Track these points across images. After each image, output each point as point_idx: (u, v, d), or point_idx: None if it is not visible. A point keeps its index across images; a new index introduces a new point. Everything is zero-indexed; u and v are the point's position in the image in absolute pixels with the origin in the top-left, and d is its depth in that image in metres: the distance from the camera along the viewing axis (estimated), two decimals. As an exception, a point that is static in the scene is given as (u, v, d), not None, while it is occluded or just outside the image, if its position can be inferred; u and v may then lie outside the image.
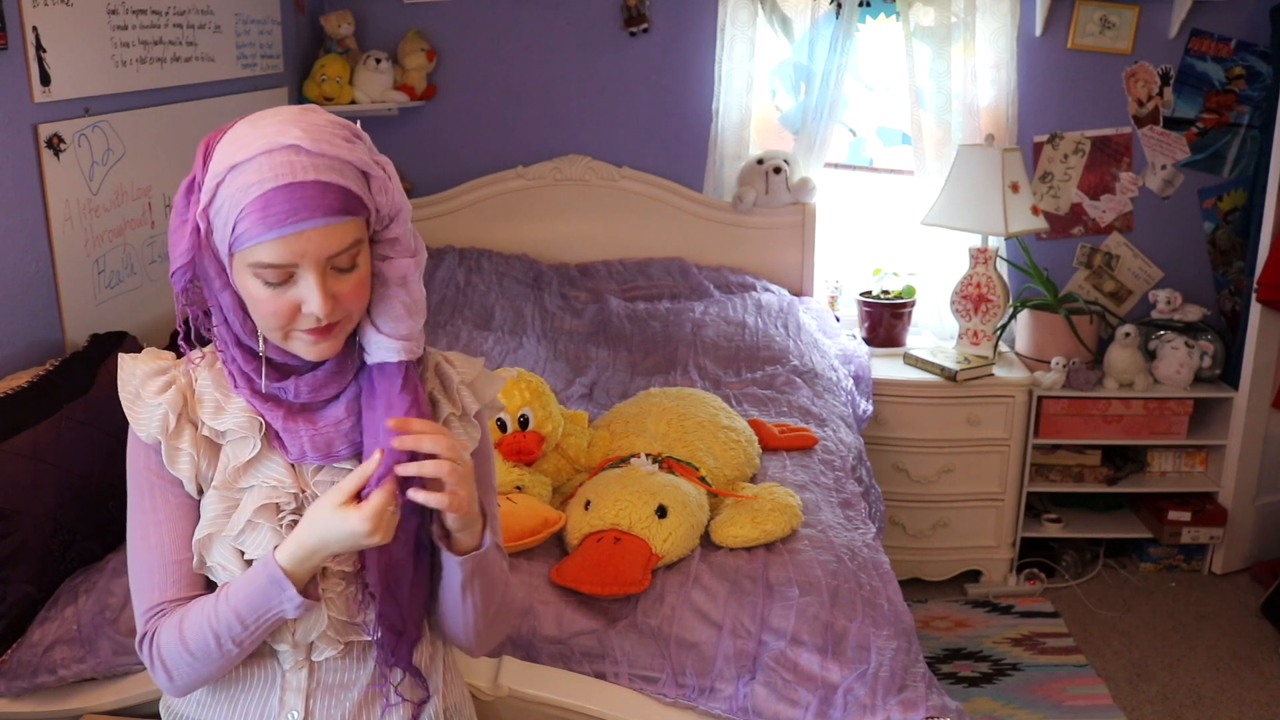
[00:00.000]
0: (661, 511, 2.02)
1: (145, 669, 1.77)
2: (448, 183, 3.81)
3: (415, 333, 1.21)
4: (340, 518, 1.13)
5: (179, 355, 1.26)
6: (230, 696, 1.27)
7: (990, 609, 3.44)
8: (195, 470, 1.21)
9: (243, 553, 1.21)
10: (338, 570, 1.22)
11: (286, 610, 1.16)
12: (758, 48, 3.64)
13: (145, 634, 1.22)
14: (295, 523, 1.19)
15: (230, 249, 1.11)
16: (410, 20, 3.74)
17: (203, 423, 1.21)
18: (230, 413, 1.21)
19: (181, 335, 1.23)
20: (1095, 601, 3.47)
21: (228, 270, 1.14)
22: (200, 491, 1.23)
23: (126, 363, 1.24)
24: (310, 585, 1.19)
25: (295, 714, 1.25)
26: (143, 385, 1.22)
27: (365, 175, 1.14)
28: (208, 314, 1.21)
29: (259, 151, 1.08)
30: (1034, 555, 3.61)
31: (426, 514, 1.22)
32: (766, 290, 3.58)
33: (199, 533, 1.21)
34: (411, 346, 1.20)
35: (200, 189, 1.12)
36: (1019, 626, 3.32)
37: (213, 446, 1.22)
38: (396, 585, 1.22)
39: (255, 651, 1.24)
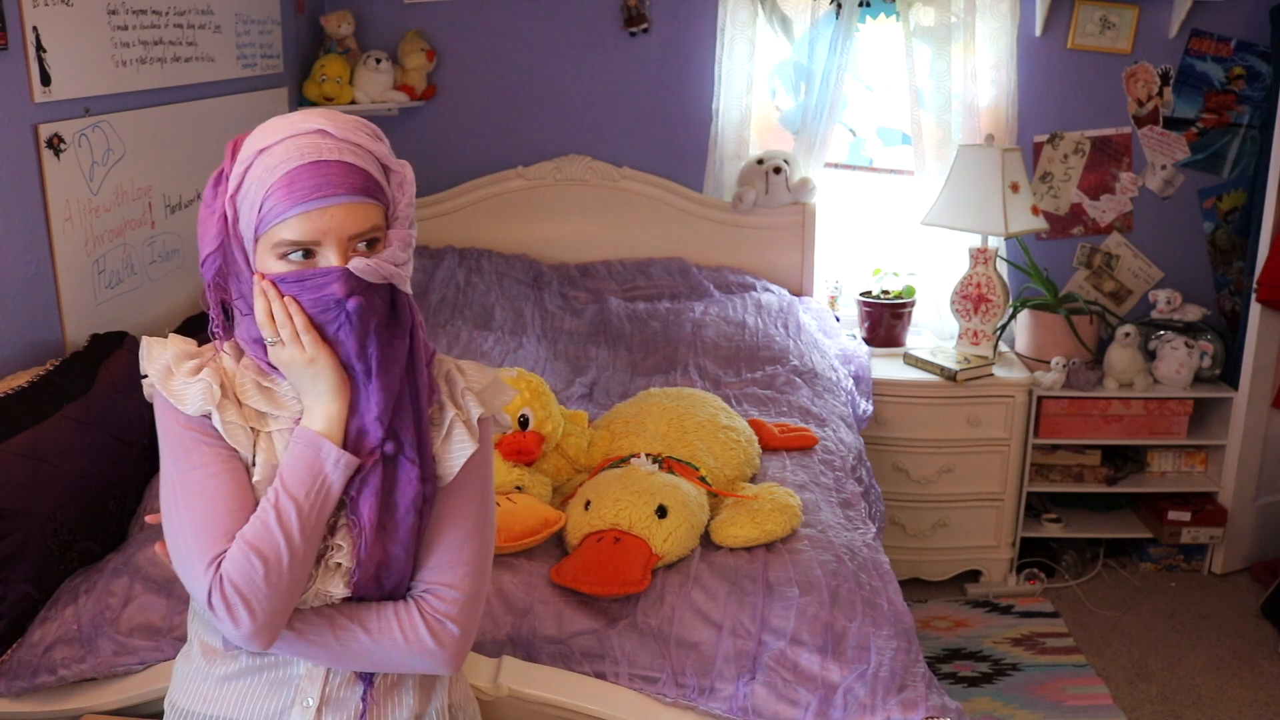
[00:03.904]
0: (661, 511, 2.02)
1: (145, 669, 1.78)
2: (448, 183, 3.81)
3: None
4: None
5: (200, 344, 1.26)
6: (239, 691, 1.27)
7: (990, 609, 3.44)
8: (249, 441, 1.20)
9: None
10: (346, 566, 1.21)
11: (328, 467, 1.13)
12: (758, 48, 3.64)
13: (211, 583, 1.11)
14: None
15: (256, 232, 1.13)
16: (410, 20, 3.74)
17: (247, 405, 1.20)
18: (277, 390, 1.21)
19: (214, 324, 1.23)
20: (1095, 601, 3.47)
21: (251, 259, 1.16)
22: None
23: (154, 344, 1.22)
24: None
25: (311, 700, 1.25)
26: (175, 364, 1.20)
27: (385, 169, 1.18)
28: (229, 311, 1.22)
29: (286, 135, 1.13)
30: (1034, 555, 3.61)
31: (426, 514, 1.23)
32: (766, 290, 3.57)
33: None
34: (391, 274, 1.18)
35: (228, 178, 1.16)
36: (1019, 626, 3.32)
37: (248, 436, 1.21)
38: (386, 572, 1.21)
39: None
